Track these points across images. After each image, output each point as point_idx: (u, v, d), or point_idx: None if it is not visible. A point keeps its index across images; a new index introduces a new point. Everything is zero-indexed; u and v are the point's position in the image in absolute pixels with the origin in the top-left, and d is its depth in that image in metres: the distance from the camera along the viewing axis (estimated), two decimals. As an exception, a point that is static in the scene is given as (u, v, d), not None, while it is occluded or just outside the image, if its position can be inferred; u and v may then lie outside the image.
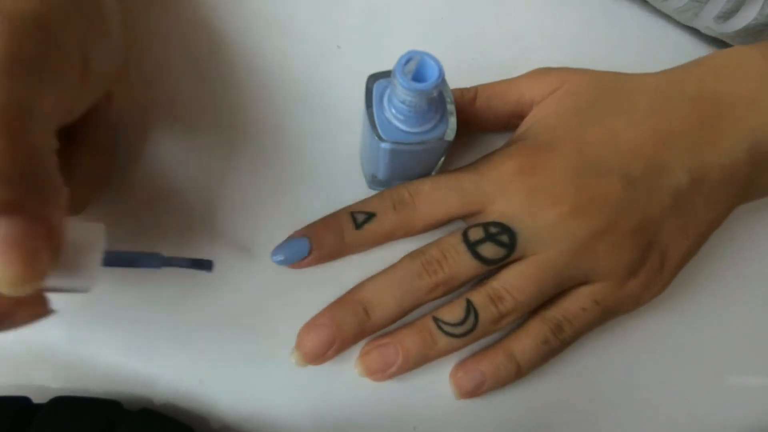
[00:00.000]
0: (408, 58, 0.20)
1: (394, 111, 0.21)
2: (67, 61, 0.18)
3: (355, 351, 0.25)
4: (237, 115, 0.28)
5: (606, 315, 0.25)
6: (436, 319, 0.24)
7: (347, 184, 0.27)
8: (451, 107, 0.22)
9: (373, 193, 0.26)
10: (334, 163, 0.28)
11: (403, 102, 0.21)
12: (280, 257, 0.25)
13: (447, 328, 0.24)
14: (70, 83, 0.18)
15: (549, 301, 0.25)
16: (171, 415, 0.26)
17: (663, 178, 0.24)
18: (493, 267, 0.24)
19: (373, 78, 0.22)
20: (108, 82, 0.22)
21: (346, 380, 0.26)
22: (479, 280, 0.25)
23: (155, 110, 0.27)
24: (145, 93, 0.28)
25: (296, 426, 0.26)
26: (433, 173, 0.26)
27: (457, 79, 0.25)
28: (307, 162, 0.28)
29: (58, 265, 0.16)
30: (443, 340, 0.24)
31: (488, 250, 0.24)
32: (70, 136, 0.22)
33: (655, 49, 0.27)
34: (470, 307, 0.24)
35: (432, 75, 0.20)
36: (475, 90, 0.26)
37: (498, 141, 0.27)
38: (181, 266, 0.22)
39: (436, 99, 0.22)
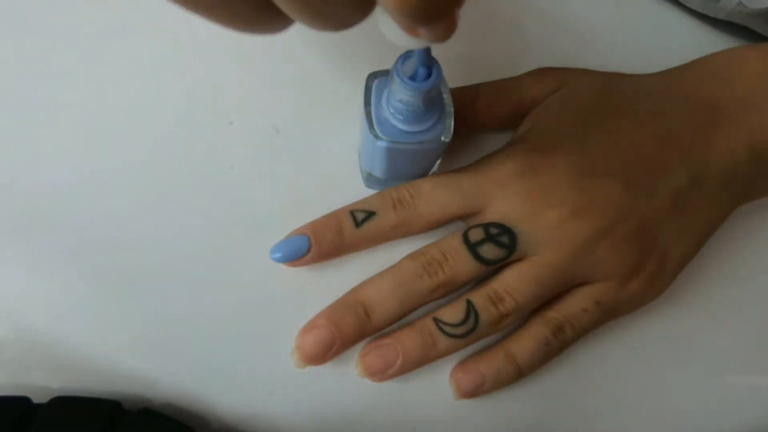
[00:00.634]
0: (406, 57, 0.19)
1: (392, 110, 0.21)
2: None
3: (356, 351, 0.25)
4: (234, 114, 0.28)
5: (607, 316, 0.25)
6: (436, 320, 0.24)
7: (344, 184, 0.27)
8: (449, 108, 0.22)
9: (370, 191, 0.26)
10: (332, 162, 0.28)
11: (400, 101, 0.20)
12: (279, 254, 0.25)
13: (447, 329, 0.24)
14: None
15: (550, 302, 0.25)
16: (171, 415, 0.26)
17: (663, 180, 0.24)
18: (494, 268, 0.24)
19: (373, 76, 0.22)
20: None
21: (346, 380, 0.26)
22: (479, 280, 0.25)
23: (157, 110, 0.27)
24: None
25: (296, 426, 0.26)
26: (430, 173, 0.26)
27: (457, 79, 0.25)
28: (304, 161, 0.28)
29: None
30: (443, 341, 0.24)
31: (489, 251, 0.24)
32: None
33: (664, 43, 0.27)
34: (470, 307, 0.24)
35: (431, 75, 0.20)
36: (476, 88, 0.26)
37: (498, 141, 0.27)
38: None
39: (435, 99, 0.22)
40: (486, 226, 0.24)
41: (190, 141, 0.27)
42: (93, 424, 0.23)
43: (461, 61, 0.27)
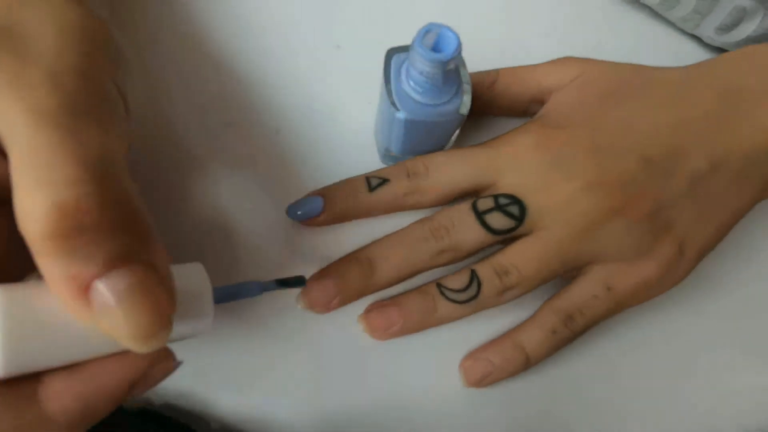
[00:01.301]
0: (427, 30, 0.20)
1: (411, 83, 0.22)
2: (114, 102, 0.18)
3: (357, 350, 0.26)
4: (241, 112, 0.28)
5: (619, 304, 0.24)
6: (439, 285, 0.24)
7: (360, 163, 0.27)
8: (466, 83, 0.23)
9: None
10: (347, 138, 0.28)
11: (421, 73, 0.21)
12: (293, 212, 0.25)
13: (449, 294, 0.24)
14: (122, 123, 0.18)
15: (559, 291, 0.25)
16: (171, 415, 0.26)
17: (681, 163, 0.24)
18: (501, 238, 0.24)
19: (392, 51, 0.23)
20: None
21: (346, 380, 0.26)
22: (486, 255, 0.25)
23: (172, 105, 0.28)
24: (155, 87, 0.27)
25: (296, 426, 0.25)
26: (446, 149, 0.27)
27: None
28: (318, 147, 0.28)
29: (175, 311, 0.16)
30: (445, 306, 0.24)
31: (496, 219, 0.24)
32: None
33: (659, 55, 0.27)
34: (474, 276, 0.24)
35: (450, 47, 0.20)
36: (496, 73, 0.27)
37: (514, 126, 0.27)
38: (274, 289, 0.22)
39: (453, 72, 0.22)
40: (496, 197, 0.24)
41: (197, 137, 0.27)
42: (93, 424, 0.23)
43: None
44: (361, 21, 0.31)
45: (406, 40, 0.23)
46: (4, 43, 0.15)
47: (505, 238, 0.24)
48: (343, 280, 0.24)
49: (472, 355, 0.26)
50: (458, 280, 0.24)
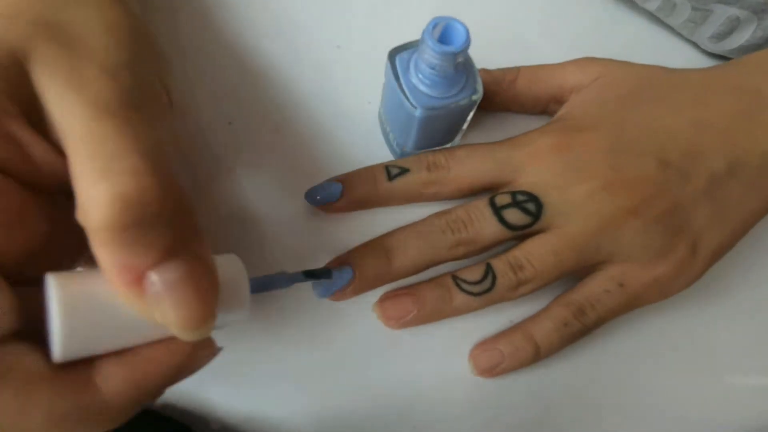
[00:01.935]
0: (435, 23, 0.20)
1: (423, 78, 0.22)
2: (160, 97, 0.18)
3: (358, 349, 0.26)
4: (242, 110, 0.28)
5: (630, 301, 0.25)
6: (454, 277, 0.25)
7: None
8: (476, 70, 0.23)
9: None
10: (347, 138, 0.28)
11: (432, 67, 0.21)
12: (312, 197, 0.25)
13: (464, 286, 0.24)
14: (168, 116, 0.18)
15: (572, 286, 0.25)
16: (171, 415, 0.26)
17: (699, 164, 0.24)
18: (517, 234, 0.24)
19: (395, 51, 0.23)
20: None
21: (346, 380, 0.26)
22: (502, 251, 0.25)
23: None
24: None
25: (296, 426, 0.26)
26: (457, 138, 0.27)
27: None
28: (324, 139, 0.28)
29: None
30: (459, 297, 0.24)
31: (513, 215, 0.24)
32: None
33: (658, 58, 0.27)
34: (489, 269, 0.24)
35: (460, 39, 0.21)
36: (517, 71, 0.27)
37: (532, 126, 0.27)
38: (302, 281, 0.23)
39: (462, 64, 0.22)
40: (514, 193, 0.24)
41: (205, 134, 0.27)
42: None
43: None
44: (361, 21, 0.31)
45: (406, 40, 0.23)
46: (58, 38, 0.16)
47: (521, 235, 0.24)
48: (360, 269, 0.24)
49: (482, 344, 0.26)
50: (473, 273, 0.24)
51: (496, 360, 0.25)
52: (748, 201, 0.25)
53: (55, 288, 0.15)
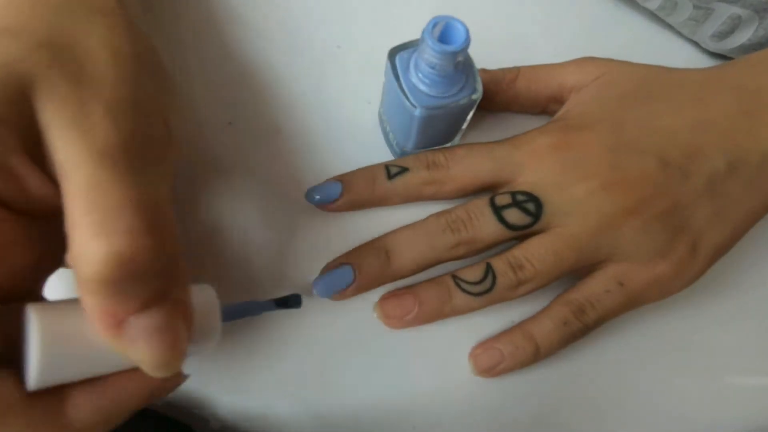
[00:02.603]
0: (435, 23, 0.21)
1: (420, 75, 0.22)
2: (164, 136, 0.18)
3: (357, 350, 0.26)
4: (242, 111, 0.28)
5: (631, 301, 0.25)
6: (454, 277, 0.25)
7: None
8: (476, 69, 0.23)
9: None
10: (347, 138, 0.28)
11: (432, 66, 0.21)
12: (312, 196, 0.26)
13: (464, 286, 0.24)
14: (170, 155, 0.18)
15: (572, 285, 0.25)
16: (171, 415, 0.26)
17: (699, 163, 0.24)
18: (517, 234, 0.24)
19: (395, 51, 0.23)
20: None
21: (346, 380, 0.26)
22: (502, 250, 0.25)
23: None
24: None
25: (296, 426, 0.26)
26: (457, 137, 0.27)
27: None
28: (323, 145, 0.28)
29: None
30: (459, 297, 0.24)
31: (513, 215, 0.24)
32: None
33: (658, 58, 0.27)
34: (489, 269, 0.24)
35: (460, 38, 0.21)
36: (517, 70, 0.27)
37: (531, 125, 0.27)
38: (272, 310, 0.23)
39: (462, 63, 0.22)
40: (513, 193, 0.24)
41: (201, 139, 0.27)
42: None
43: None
44: (361, 21, 0.31)
45: (406, 39, 0.23)
46: (65, 67, 0.15)
47: (521, 235, 0.24)
48: (360, 269, 0.24)
49: (482, 344, 0.26)
50: (473, 273, 0.24)
51: (496, 360, 0.25)
52: (748, 200, 0.25)
53: (36, 322, 0.15)
